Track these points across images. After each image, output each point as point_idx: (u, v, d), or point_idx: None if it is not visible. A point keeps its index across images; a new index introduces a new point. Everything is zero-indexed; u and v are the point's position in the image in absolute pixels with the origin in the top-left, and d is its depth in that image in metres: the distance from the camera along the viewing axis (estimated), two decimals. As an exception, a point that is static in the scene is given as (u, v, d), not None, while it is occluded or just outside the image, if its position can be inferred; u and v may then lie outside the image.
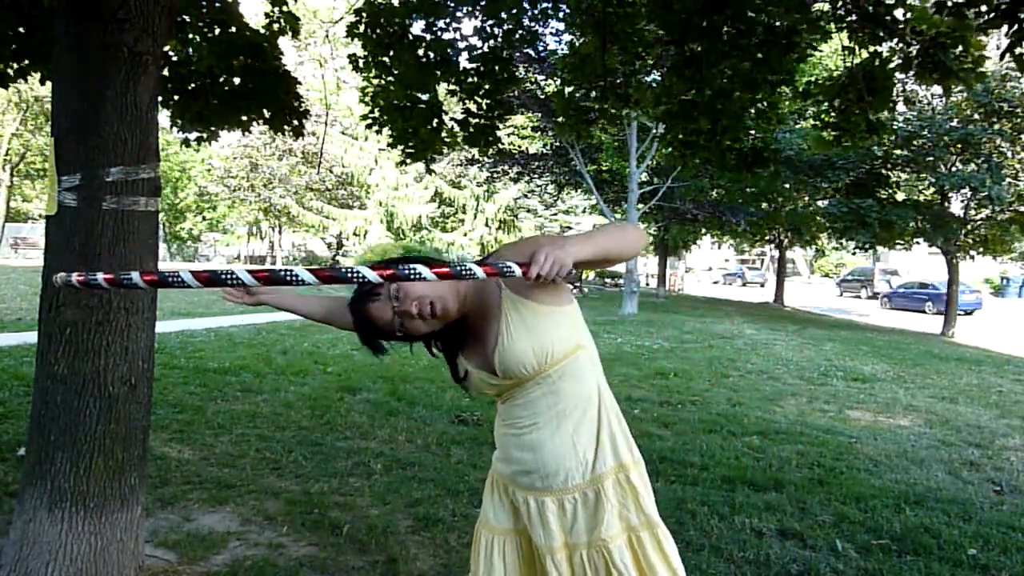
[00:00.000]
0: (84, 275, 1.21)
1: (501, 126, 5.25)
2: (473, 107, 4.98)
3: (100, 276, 1.17)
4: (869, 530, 3.35)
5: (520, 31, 4.88)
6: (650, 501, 1.46)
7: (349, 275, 1.09)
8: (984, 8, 3.51)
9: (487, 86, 4.90)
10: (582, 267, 1.29)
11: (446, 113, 5.02)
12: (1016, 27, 3.29)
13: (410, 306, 1.37)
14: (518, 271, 1.16)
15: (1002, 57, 3.47)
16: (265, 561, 2.75)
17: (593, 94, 5.17)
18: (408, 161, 5.21)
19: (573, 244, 1.24)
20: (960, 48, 3.86)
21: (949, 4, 3.61)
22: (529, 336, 1.39)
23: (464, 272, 1.13)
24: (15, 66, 3.97)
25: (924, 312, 22.75)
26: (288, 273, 1.08)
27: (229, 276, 1.09)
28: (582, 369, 1.45)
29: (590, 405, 1.45)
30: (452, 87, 4.98)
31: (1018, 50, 3.36)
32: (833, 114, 4.60)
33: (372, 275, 1.10)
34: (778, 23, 4.28)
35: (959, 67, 3.88)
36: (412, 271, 1.11)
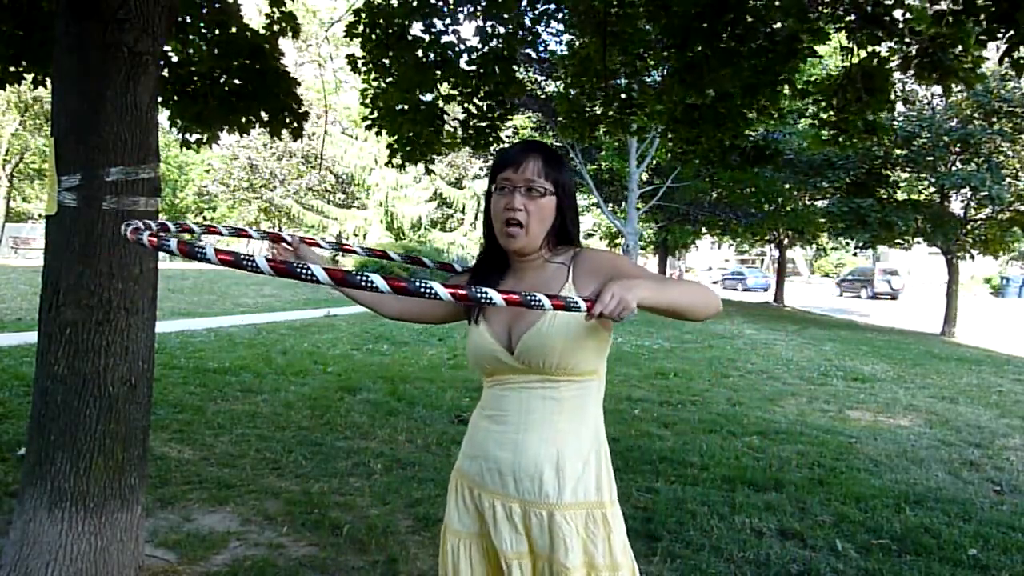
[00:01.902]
0: (157, 239, 1.27)
1: (502, 127, 5.25)
2: (473, 109, 4.98)
3: (174, 243, 1.22)
4: (869, 530, 3.35)
5: (521, 33, 4.88)
6: (620, 544, 1.41)
7: (422, 290, 1.12)
8: (982, 17, 3.51)
9: (487, 88, 4.90)
10: (645, 310, 1.26)
11: (447, 114, 5.02)
12: (1013, 32, 3.29)
13: (520, 204, 1.41)
14: (583, 306, 1.18)
15: (1000, 61, 3.48)
16: (265, 561, 2.75)
17: (597, 100, 5.17)
18: (407, 164, 5.20)
19: (643, 288, 1.21)
20: (959, 48, 3.87)
21: (949, 15, 3.62)
22: (565, 337, 1.36)
23: (533, 302, 1.16)
24: (12, 69, 3.97)
25: (735, 290, 34.97)
26: (364, 279, 1.11)
27: (304, 271, 1.12)
28: (589, 395, 1.43)
29: (584, 429, 1.42)
30: (452, 90, 4.98)
31: (1016, 54, 3.36)
32: (831, 113, 4.60)
33: (444, 293, 1.14)
34: (779, 24, 4.28)
35: (958, 67, 3.88)
36: (484, 295, 1.14)
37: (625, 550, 1.43)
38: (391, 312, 1.64)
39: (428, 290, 1.12)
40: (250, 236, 1.80)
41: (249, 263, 1.12)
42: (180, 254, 1.19)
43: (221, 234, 1.77)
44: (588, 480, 1.41)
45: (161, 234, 1.34)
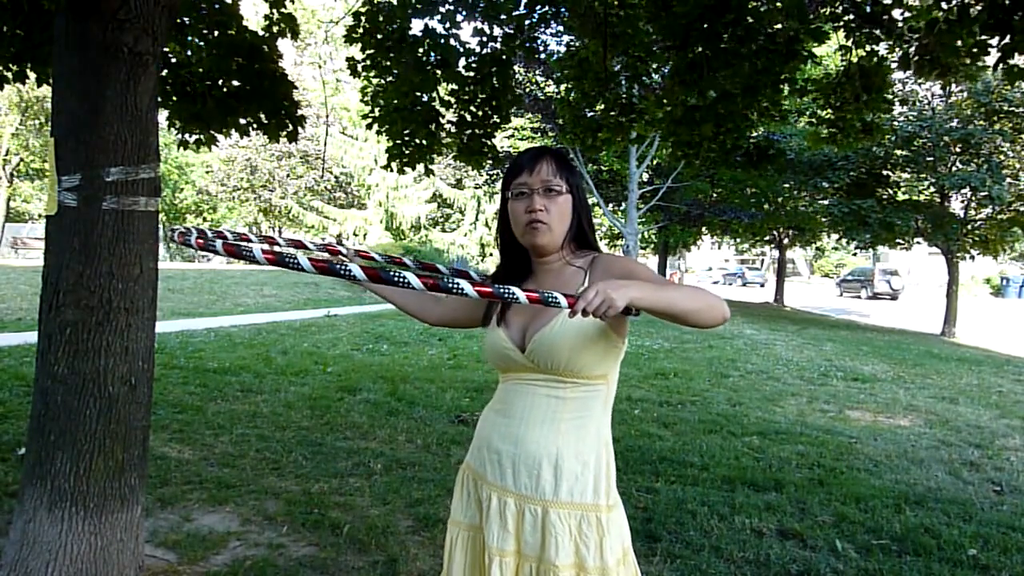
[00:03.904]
0: (204, 240, 1.38)
1: (496, 135, 5.22)
2: (468, 116, 4.96)
3: (219, 244, 1.30)
4: (869, 530, 3.35)
5: (521, 35, 4.86)
6: (616, 551, 1.40)
7: (452, 287, 1.19)
8: (975, 27, 3.51)
9: (483, 95, 4.89)
10: (645, 312, 1.24)
11: (443, 117, 5.01)
12: (1008, 39, 3.30)
13: (540, 205, 1.45)
14: (564, 302, 1.19)
15: (995, 68, 3.48)
16: (265, 561, 2.76)
17: (597, 103, 5.16)
18: (405, 169, 5.19)
19: (634, 288, 1.19)
20: (958, 44, 3.87)
21: (943, 24, 3.62)
22: (576, 339, 1.38)
23: (507, 296, 1.21)
24: (13, 68, 3.97)
25: (731, 285, 40.40)
26: (397, 276, 1.19)
27: (344, 269, 1.20)
28: (595, 399, 1.44)
29: (586, 432, 1.43)
30: (448, 96, 4.96)
31: (1011, 61, 3.37)
32: (828, 111, 4.60)
33: (471, 291, 1.20)
34: (780, 26, 4.28)
35: (957, 64, 3.88)
36: (508, 293, 1.20)
37: (624, 559, 1.43)
38: (433, 318, 1.75)
39: (456, 287, 1.18)
40: (307, 248, 1.85)
41: (292, 262, 1.20)
42: (227, 254, 1.27)
43: (279, 244, 1.79)
44: (586, 482, 1.42)
45: (213, 238, 1.47)
